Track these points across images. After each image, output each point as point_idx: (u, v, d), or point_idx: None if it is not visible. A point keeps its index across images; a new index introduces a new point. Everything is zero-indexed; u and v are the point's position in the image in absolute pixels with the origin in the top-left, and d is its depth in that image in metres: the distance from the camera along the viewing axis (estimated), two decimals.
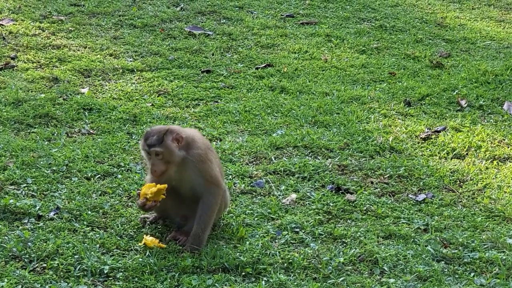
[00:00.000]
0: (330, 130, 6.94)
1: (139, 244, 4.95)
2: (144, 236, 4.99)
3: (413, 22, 10.48)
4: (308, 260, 4.92)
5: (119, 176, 5.86)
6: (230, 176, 5.97)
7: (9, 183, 5.61)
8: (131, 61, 8.40)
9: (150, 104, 7.35)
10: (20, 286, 4.50)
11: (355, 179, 6.08)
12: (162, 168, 4.93)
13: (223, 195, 5.10)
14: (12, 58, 8.19)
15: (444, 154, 6.60)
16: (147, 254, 4.85)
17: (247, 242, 5.05)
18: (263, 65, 8.56)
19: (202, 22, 9.84)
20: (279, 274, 4.76)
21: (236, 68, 8.48)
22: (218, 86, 7.93)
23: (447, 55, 9.30)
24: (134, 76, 8.03)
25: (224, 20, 9.99)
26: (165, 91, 7.69)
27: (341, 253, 5.02)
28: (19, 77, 7.73)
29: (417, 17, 10.76)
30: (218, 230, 5.20)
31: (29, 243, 4.85)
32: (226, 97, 7.67)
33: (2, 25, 9.02)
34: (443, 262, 5.02)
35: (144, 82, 7.90)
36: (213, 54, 8.81)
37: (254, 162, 6.29)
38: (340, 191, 5.85)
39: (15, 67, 7.96)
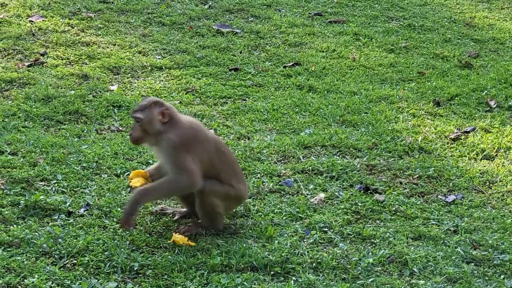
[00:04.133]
0: (358, 130, 6.92)
1: (168, 241, 4.97)
2: (173, 233, 5.01)
3: (441, 22, 10.42)
4: (337, 260, 4.91)
5: None
6: (258, 175, 5.98)
7: (39, 179, 5.65)
8: (159, 58, 8.43)
9: (178, 101, 7.37)
10: (50, 282, 4.53)
11: (383, 179, 6.06)
12: (138, 135, 5.00)
13: (237, 191, 5.11)
14: (42, 55, 8.24)
15: (473, 155, 6.56)
16: (176, 251, 4.87)
17: (276, 241, 5.05)
18: (291, 64, 8.55)
19: (230, 20, 9.84)
20: (308, 273, 4.75)
21: (264, 66, 8.47)
22: (246, 84, 7.93)
23: (475, 55, 9.23)
24: (162, 74, 8.05)
25: (252, 18, 9.99)
26: (193, 88, 7.70)
27: (370, 253, 5.01)
28: (48, 74, 7.77)
29: (445, 16, 10.70)
30: (246, 229, 5.20)
31: (59, 239, 4.88)
32: (254, 95, 7.67)
33: (32, 21, 9.08)
34: (472, 264, 4.99)
35: (172, 79, 7.91)
36: (241, 52, 8.81)
37: (282, 161, 6.29)
38: (369, 191, 5.83)
39: (45, 64, 8.00)
